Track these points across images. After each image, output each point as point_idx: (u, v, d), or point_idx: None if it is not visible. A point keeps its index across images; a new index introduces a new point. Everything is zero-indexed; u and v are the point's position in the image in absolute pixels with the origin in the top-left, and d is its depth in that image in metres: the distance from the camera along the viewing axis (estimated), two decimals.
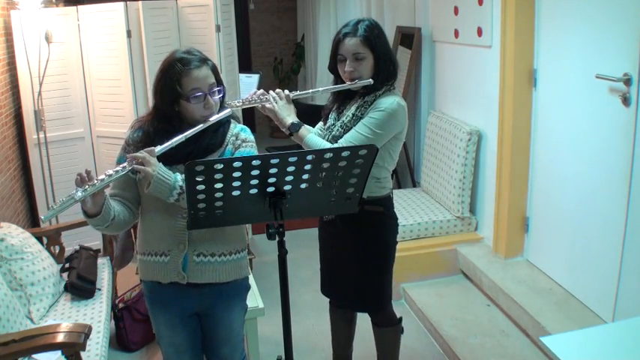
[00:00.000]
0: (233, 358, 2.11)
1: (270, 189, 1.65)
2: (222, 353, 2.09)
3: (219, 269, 1.96)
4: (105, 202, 1.76)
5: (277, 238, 1.67)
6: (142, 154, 1.77)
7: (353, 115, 2.19)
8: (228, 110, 1.94)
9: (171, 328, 2.02)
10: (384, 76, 2.18)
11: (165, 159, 1.83)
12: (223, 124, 1.95)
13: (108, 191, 1.93)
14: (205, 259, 1.93)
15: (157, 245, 1.93)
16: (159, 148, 1.80)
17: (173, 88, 1.83)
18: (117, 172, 1.75)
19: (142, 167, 1.75)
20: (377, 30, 2.17)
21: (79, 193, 1.67)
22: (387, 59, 2.18)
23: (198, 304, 2.00)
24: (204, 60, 1.88)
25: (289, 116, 2.20)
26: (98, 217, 1.77)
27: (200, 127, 1.86)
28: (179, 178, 1.80)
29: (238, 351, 2.11)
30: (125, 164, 1.77)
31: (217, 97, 1.90)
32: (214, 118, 1.88)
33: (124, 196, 1.93)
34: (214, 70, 1.90)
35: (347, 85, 2.19)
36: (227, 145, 1.94)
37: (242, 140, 1.95)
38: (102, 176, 1.72)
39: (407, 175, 4.54)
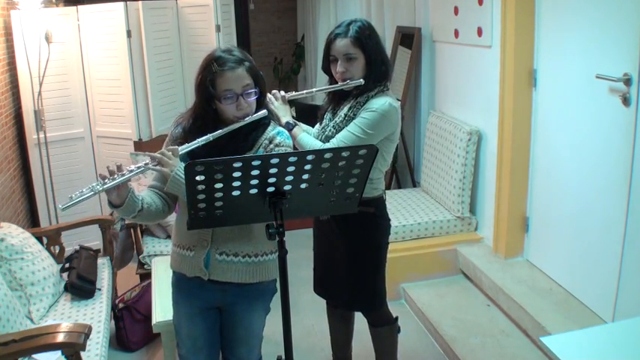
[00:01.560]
0: (249, 359, 2.11)
1: (270, 189, 1.65)
2: (238, 352, 2.09)
3: (242, 270, 1.96)
4: (129, 195, 1.79)
5: (277, 238, 1.67)
6: (159, 153, 1.80)
7: (345, 115, 2.20)
8: (263, 112, 1.92)
9: (190, 319, 2.04)
10: (376, 76, 2.19)
11: (196, 158, 1.84)
12: (257, 127, 1.93)
13: (148, 183, 2.00)
14: (228, 258, 1.94)
15: (185, 239, 1.97)
16: (183, 147, 1.83)
17: (207, 89, 1.84)
18: (139, 168, 1.78)
19: (159, 168, 1.79)
20: (368, 31, 2.18)
21: (98, 187, 1.73)
22: (378, 60, 2.19)
23: (220, 299, 2.01)
24: (241, 60, 1.86)
25: (284, 116, 2.24)
26: (122, 207, 1.80)
27: (229, 128, 1.86)
28: None
29: (255, 352, 2.12)
30: (147, 161, 1.80)
31: (252, 98, 1.88)
32: (247, 119, 1.87)
33: (162, 188, 1.94)
34: (251, 71, 1.88)
35: (339, 85, 2.20)
36: (258, 148, 1.92)
37: (276, 144, 1.92)
38: (124, 171, 1.76)
39: (407, 175, 4.54)
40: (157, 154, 1.80)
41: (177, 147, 1.82)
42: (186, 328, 2.06)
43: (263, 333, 2.15)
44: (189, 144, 1.83)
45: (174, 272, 2.07)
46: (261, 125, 1.94)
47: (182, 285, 2.04)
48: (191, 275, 1.98)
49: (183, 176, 1.77)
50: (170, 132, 2.00)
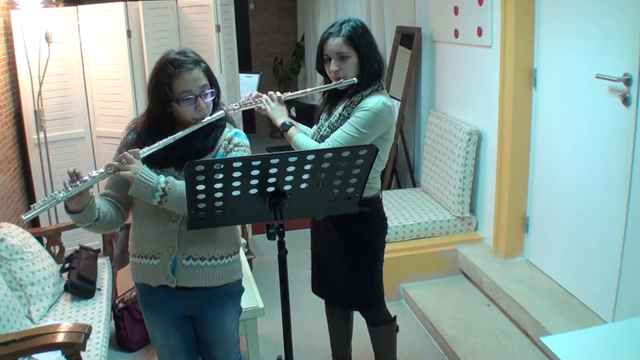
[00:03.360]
0: None
1: (270, 189, 1.65)
2: (216, 355, 2.08)
3: (209, 273, 1.94)
4: (89, 203, 1.76)
5: (277, 238, 1.67)
6: (121, 157, 1.76)
7: (340, 115, 2.21)
8: (221, 112, 1.92)
9: (163, 330, 2.02)
10: (370, 75, 2.19)
11: (156, 161, 1.84)
12: (216, 129, 1.93)
13: (101, 190, 1.96)
14: (195, 262, 1.91)
15: (147, 248, 1.93)
16: (145, 150, 1.80)
17: (163, 91, 1.82)
18: (101, 174, 1.75)
19: (123, 173, 1.75)
20: (361, 30, 2.19)
21: (61, 194, 1.69)
22: (371, 58, 2.19)
23: (189, 307, 1.99)
24: (196, 62, 1.86)
25: (281, 117, 2.26)
26: (79, 214, 1.76)
27: (190, 129, 1.85)
28: (162, 180, 1.78)
29: (233, 354, 2.11)
30: (106, 167, 1.77)
31: (209, 99, 1.88)
32: (206, 120, 1.87)
33: (115, 197, 1.92)
34: (207, 72, 1.88)
35: (333, 84, 2.21)
36: (219, 149, 1.92)
37: (235, 144, 1.93)
38: (85, 177, 1.72)
39: (407, 175, 4.54)
40: (114, 163, 1.77)
41: (138, 150, 1.79)
42: (161, 339, 2.04)
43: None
44: (151, 147, 1.80)
45: (137, 284, 2.02)
46: (219, 127, 1.94)
47: (148, 297, 2.00)
48: (156, 285, 1.94)
49: (148, 179, 1.75)
50: (122, 138, 1.96)
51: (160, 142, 1.81)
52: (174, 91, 1.82)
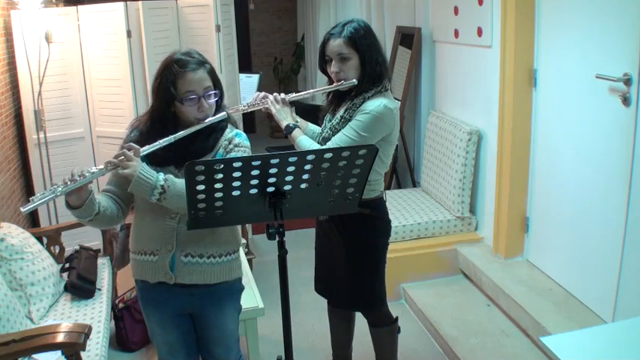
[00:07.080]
0: (228, 358, 2.11)
1: (270, 189, 1.65)
2: (215, 353, 2.09)
3: (208, 271, 1.95)
4: (89, 198, 1.78)
5: (277, 238, 1.67)
6: (120, 154, 1.78)
7: (341, 117, 2.21)
8: (223, 114, 1.94)
9: (163, 327, 2.03)
10: (371, 77, 2.18)
11: (157, 160, 1.86)
12: (217, 130, 1.94)
13: (103, 187, 1.98)
14: (193, 259, 1.93)
15: (147, 244, 1.95)
16: (145, 148, 1.82)
17: (167, 90, 1.84)
18: (100, 170, 1.77)
19: (122, 170, 1.77)
20: (363, 31, 2.17)
21: (59, 189, 1.71)
22: (372, 60, 2.17)
23: (188, 304, 2.00)
24: (201, 63, 1.88)
25: (285, 119, 2.26)
26: (79, 209, 1.78)
27: (191, 129, 1.86)
28: (161, 178, 1.80)
29: (233, 351, 2.11)
30: (105, 163, 1.79)
31: (212, 100, 1.90)
32: (208, 121, 1.89)
33: (117, 193, 1.95)
34: (211, 73, 1.90)
35: (334, 86, 2.21)
36: (218, 149, 1.94)
37: (235, 145, 1.94)
38: (86, 173, 1.74)
39: (407, 175, 4.54)
40: (113, 160, 1.78)
41: (138, 147, 1.81)
42: (160, 335, 2.05)
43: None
44: (152, 145, 1.82)
45: (136, 281, 2.04)
46: (220, 128, 1.96)
47: (148, 294, 2.02)
48: (154, 281, 1.96)
49: (147, 176, 1.77)
50: (125, 136, 1.98)
51: (161, 141, 1.82)
52: (178, 91, 1.84)
